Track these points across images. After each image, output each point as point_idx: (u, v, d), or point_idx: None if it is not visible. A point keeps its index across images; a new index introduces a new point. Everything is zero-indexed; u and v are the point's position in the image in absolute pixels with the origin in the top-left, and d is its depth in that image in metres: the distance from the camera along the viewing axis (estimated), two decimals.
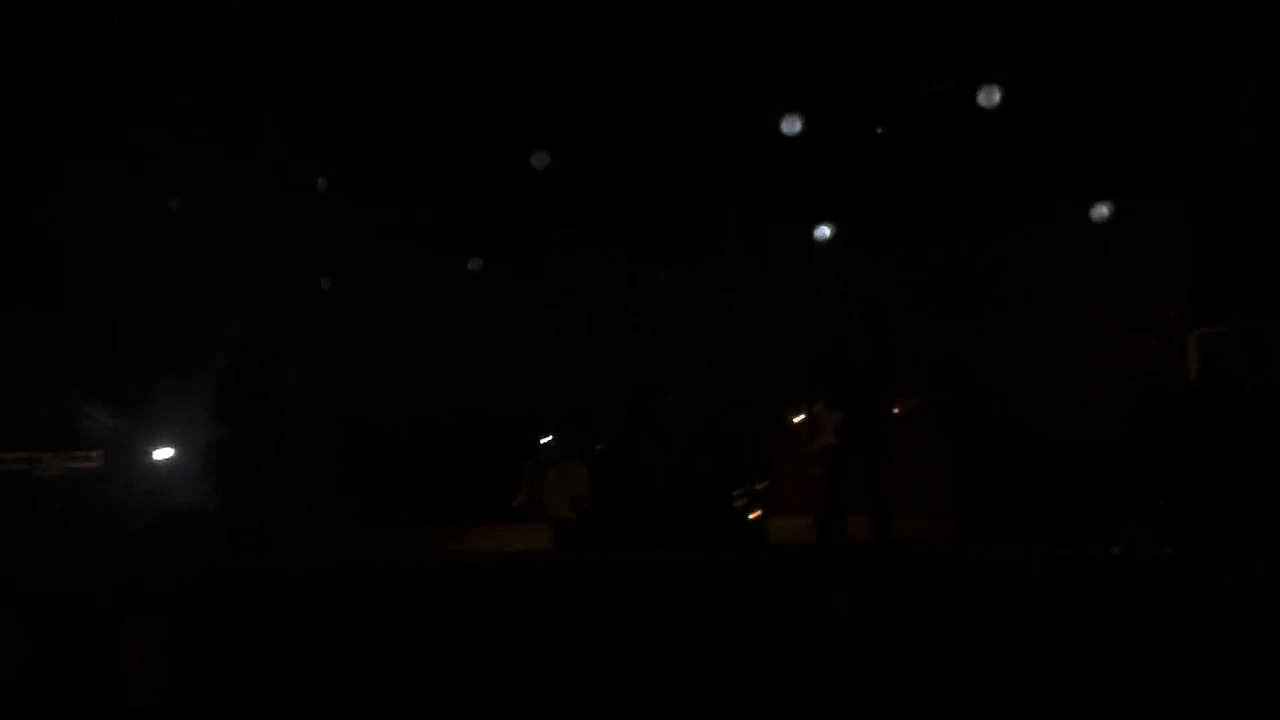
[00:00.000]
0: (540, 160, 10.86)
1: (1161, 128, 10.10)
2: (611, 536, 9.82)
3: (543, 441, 10.57)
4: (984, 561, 8.61)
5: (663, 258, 11.55)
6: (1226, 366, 9.42)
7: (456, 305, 11.60)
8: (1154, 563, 8.25)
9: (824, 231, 11.22)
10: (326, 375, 11.12)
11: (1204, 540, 8.32)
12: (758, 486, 10.03)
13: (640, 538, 9.72)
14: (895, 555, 8.18)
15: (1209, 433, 8.80)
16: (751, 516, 9.98)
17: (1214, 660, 5.01)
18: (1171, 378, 10.12)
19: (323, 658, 5.43)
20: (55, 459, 9.54)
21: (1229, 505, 8.38)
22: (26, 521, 9.11)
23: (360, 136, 10.90)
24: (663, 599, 7.50)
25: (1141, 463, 9.14)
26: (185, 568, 8.63)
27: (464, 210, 11.28)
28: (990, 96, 9.87)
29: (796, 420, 8.90)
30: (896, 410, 8.44)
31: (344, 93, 10.48)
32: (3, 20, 9.76)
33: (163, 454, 10.04)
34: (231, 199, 10.80)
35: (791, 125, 10.40)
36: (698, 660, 5.37)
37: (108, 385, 10.39)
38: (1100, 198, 10.62)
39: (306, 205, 11.11)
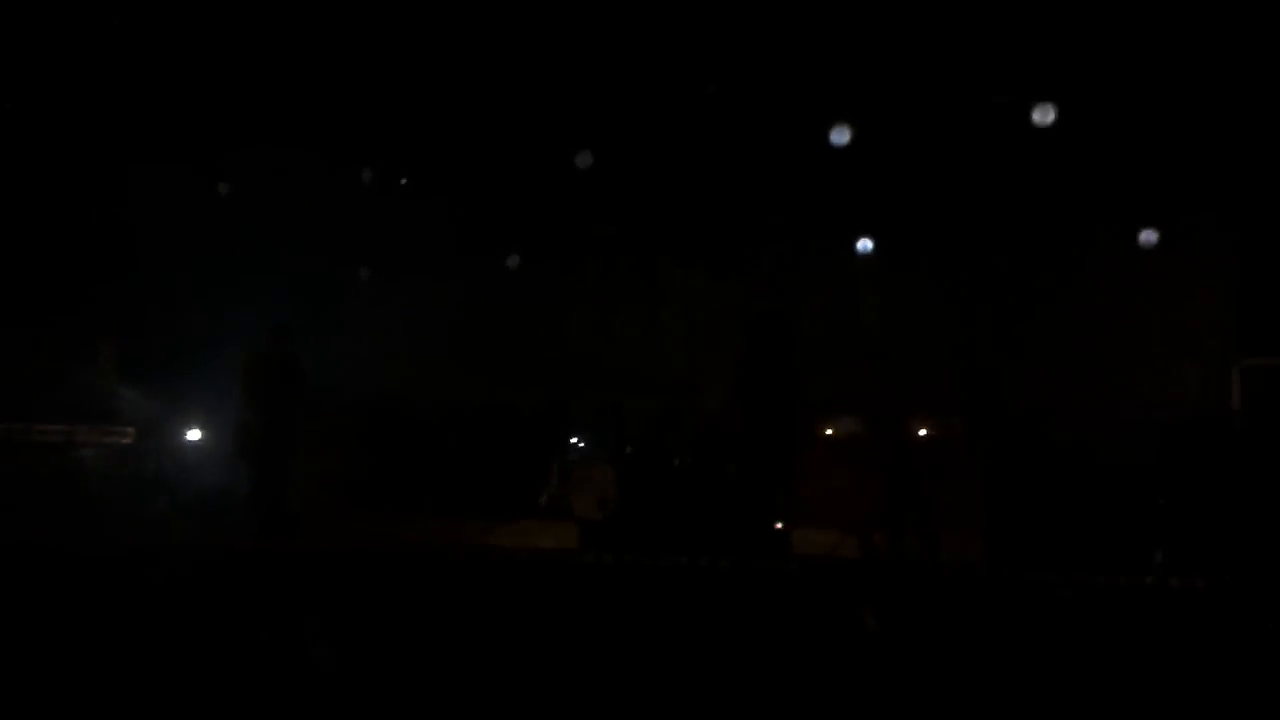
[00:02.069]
0: (584, 160, 10.86)
1: (1213, 157, 9.96)
2: (637, 539, 9.74)
3: (572, 440, 10.52)
4: (1012, 583, 8.48)
5: (701, 262, 11.52)
6: (1271, 400, 9.24)
7: (493, 301, 11.61)
8: (1186, 593, 8.09)
9: (866, 245, 11.14)
10: (362, 365, 11.14)
11: (1241, 573, 8.16)
12: (785, 496, 9.91)
13: (666, 542, 9.63)
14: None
15: (1251, 465, 8.63)
16: (777, 526, 9.87)
17: (1241, 694, 4.89)
18: (1214, 408, 9.95)
19: (337, 642, 5.40)
20: (89, 433, 9.68)
21: (1268, 539, 8.22)
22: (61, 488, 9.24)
23: (404, 130, 10.94)
24: (685, 604, 7.45)
25: (1180, 493, 8.98)
26: (206, 546, 8.69)
27: (504, 206, 11.30)
28: (1045, 114, 9.77)
29: None
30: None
31: (390, 87, 10.52)
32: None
33: (193, 435, 10.14)
34: (274, 188, 10.85)
35: (840, 136, 10.33)
36: (711, 665, 5.31)
37: (144, 366, 10.49)
38: (1149, 225, 10.50)
39: (348, 196, 11.15)
